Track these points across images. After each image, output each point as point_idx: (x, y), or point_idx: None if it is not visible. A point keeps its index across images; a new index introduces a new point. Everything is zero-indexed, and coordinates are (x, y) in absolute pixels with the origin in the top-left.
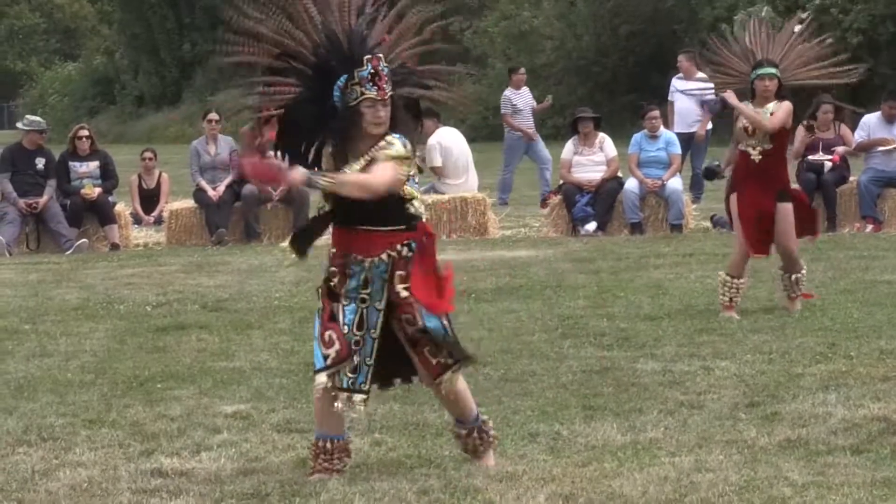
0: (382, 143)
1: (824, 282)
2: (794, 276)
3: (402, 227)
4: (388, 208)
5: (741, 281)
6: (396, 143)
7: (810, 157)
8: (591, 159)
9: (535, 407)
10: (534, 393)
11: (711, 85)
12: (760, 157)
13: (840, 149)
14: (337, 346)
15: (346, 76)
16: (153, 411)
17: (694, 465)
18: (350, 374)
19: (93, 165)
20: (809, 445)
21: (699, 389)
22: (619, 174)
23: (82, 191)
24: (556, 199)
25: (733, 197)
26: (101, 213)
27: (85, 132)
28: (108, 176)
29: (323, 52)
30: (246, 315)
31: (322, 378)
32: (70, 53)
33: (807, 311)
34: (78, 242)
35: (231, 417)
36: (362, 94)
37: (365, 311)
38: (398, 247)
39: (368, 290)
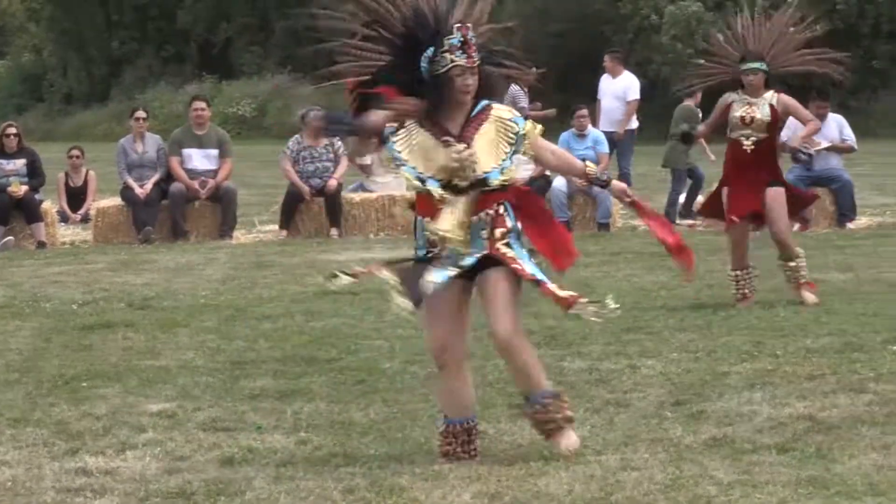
0: (496, 112)
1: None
2: (793, 262)
3: (497, 188)
4: None
5: (748, 270)
6: (523, 121)
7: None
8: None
9: None
10: None
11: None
12: (753, 146)
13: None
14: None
15: (434, 47)
16: (78, 410)
17: (620, 464)
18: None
19: (20, 163)
20: (735, 444)
21: (625, 388)
22: (547, 172)
23: (9, 189)
24: None
25: (725, 191)
26: (27, 210)
27: (13, 129)
28: (35, 174)
29: (411, 24)
30: (172, 313)
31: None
32: None
33: (733, 311)
34: (4, 240)
35: (156, 416)
36: (452, 61)
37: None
38: (495, 205)
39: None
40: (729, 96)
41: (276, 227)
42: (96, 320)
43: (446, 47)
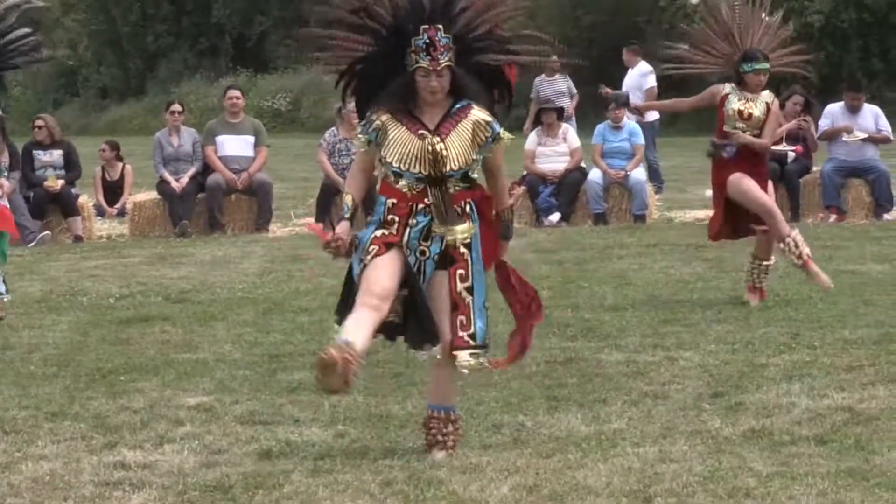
0: (475, 116)
1: (788, 272)
2: (763, 263)
3: (468, 185)
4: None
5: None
6: (498, 127)
7: (773, 147)
8: (554, 150)
9: (498, 398)
10: (498, 384)
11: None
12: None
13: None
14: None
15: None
16: (116, 404)
17: (658, 456)
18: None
19: (56, 154)
20: (773, 436)
21: (663, 380)
22: (583, 165)
23: (45, 183)
24: (519, 189)
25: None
26: (64, 205)
27: (40, 122)
28: (71, 166)
29: (402, 14)
30: (209, 307)
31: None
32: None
33: (770, 302)
34: (41, 235)
35: (194, 409)
36: (416, 62)
37: (423, 263)
38: (462, 202)
39: (428, 243)
40: (723, 87)
41: (312, 220)
42: (133, 314)
43: (412, 47)
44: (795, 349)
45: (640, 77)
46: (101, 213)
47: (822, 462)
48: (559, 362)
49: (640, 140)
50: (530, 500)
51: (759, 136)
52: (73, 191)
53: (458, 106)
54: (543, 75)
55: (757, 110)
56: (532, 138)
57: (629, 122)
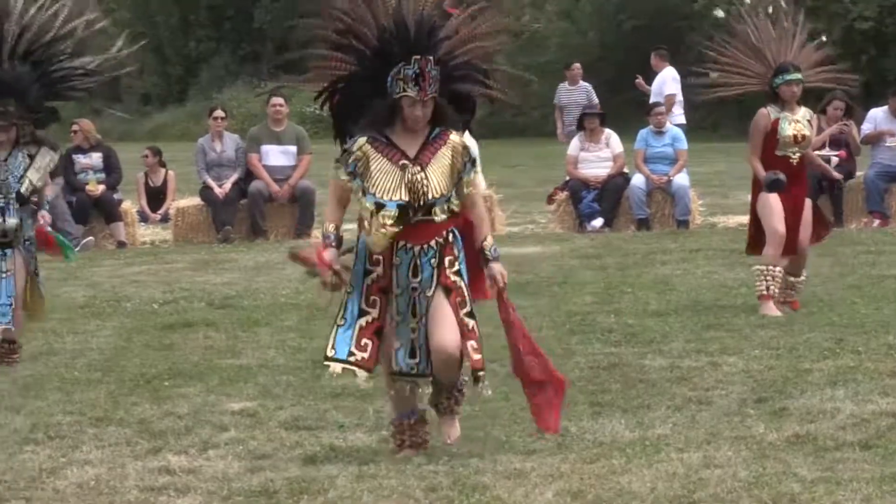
0: (452, 142)
1: (831, 277)
2: (796, 279)
3: (447, 216)
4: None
5: (778, 269)
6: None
7: (816, 152)
8: (597, 155)
9: None
10: None
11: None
12: (797, 161)
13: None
14: (367, 355)
15: (401, 64)
16: (160, 409)
17: (702, 462)
18: (410, 360)
19: (95, 157)
20: (818, 441)
21: (707, 385)
22: (626, 170)
23: (87, 187)
24: (562, 195)
25: (772, 197)
26: (106, 210)
27: (75, 127)
28: (110, 170)
29: (387, 37)
30: (253, 312)
31: (337, 369)
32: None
33: (814, 307)
34: (84, 240)
35: (238, 415)
36: (404, 90)
37: (416, 298)
38: (444, 233)
39: (419, 279)
40: (769, 114)
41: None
42: (177, 319)
43: (402, 75)
44: (839, 354)
45: (660, 84)
46: (144, 218)
47: (866, 467)
48: (603, 368)
49: (684, 145)
50: None
51: (805, 155)
52: (116, 196)
53: (434, 133)
54: (566, 83)
55: (807, 130)
56: (575, 144)
57: (672, 126)
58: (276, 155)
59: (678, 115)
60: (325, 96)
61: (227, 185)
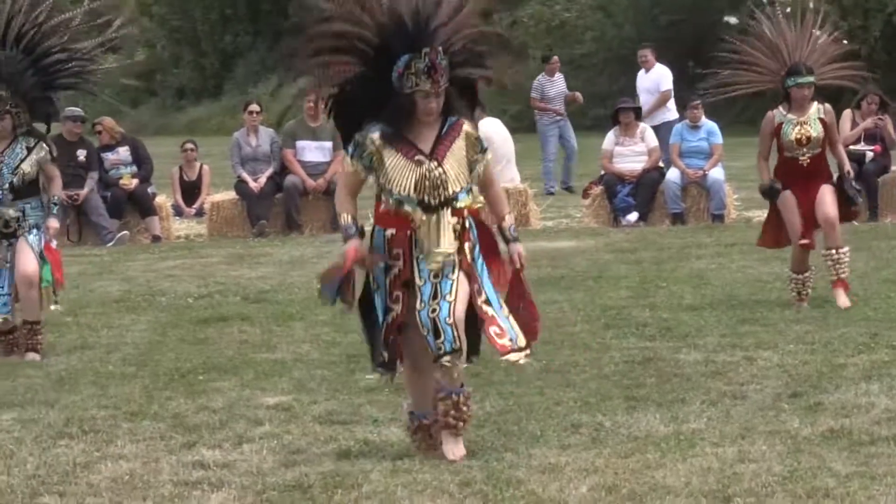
0: (466, 130)
1: (866, 272)
2: (836, 254)
3: (467, 204)
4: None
5: (805, 275)
6: (485, 146)
7: (851, 147)
8: (632, 150)
9: (577, 398)
10: (576, 384)
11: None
12: (809, 161)
13: None
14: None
15: (407, 57)
16: (195, 403)
17: (737, 456)
18: (436, 340)
19: (122, 151)
20: (853, 436)
21: (742, 380)
22: (661, 164)
23: (121, 181)
24: (597, 189)
25: (790, 197)
26: (141, 205)
27: (98, 126)
28: (140, 162)
29: (387, 33)
30: (287, 307)
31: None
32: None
33: (849, 301)
34: (119, 235)
35: (273, 409)
36: (416, 84)
37: (438, 284)
38: (461, 219)
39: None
40: (774, 118)
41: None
42: (212, 314)
43: (413, 70)
44: (874, 349)
45: (654, 81)
46: (179, 213)
47: None
48: (637, 362)
49: (719, 139)
50: (609, 500)
51: (822, 152)
52: (150, 190)
53: (448, 124)
54: (545, 75)
55: (814, 132)
56: (610, 138)
57: (707, 121)
58: (312, 151)
59: (671, 110)
60: (331, 103)
61: (262, 179)
